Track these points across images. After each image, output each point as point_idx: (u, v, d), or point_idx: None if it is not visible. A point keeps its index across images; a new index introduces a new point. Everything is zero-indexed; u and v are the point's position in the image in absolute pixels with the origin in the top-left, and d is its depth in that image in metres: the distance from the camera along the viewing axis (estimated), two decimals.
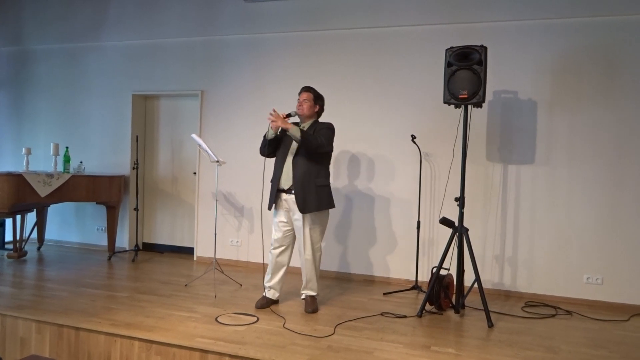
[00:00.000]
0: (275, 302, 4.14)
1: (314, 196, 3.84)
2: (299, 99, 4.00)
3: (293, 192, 3.85)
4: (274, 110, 3.79)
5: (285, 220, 3.98)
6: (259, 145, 4.02)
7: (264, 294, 4.11)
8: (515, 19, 4.65)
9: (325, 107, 4.13)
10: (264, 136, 3.96)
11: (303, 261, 3.98)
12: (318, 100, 4.02)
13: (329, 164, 4.05)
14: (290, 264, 4.12)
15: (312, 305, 4.00)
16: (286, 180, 3.89)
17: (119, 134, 6.14)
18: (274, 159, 4.05)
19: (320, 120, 4.07)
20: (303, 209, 3.82)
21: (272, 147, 3.97)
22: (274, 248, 4.05)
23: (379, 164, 5.08)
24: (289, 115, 3.90)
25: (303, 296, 4.09)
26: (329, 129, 3.94)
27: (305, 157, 3.84)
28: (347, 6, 5.17)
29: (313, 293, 4.06)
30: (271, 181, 4.04)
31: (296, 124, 4.02)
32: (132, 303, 4.06)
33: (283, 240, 4.02)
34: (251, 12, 5.53)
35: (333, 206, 4.02)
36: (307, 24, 5.32)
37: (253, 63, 5.55)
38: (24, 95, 6.62)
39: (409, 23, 4.97)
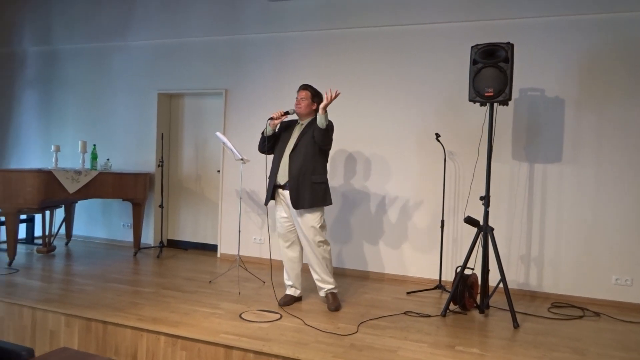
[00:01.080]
0: (298, 299, 4.16)
1: (309, 192, 3.86)
2: (297, 97, 4.04)
3: (287, 188, 3.90)
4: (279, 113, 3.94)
5: (286, 216, 4.02)
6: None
7: (286, 292, 4.14)
8: (541, 15, 4.57)
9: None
10: (262, 133, 4.04)
11: (309, 256, 3.99)
12: (315, 97, 4.04)
13: (327, 161, 4.06)
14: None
15: (334, 303, 3.99)
16: (282, 176, 3.94)
17: (145, 132, 6.23)
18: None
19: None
20: (296, 204, 3.86)
21: (271, 143, 4.05)
22: (281, 244, 4.11)
23: (402, 163, 5.05)
24: (286, 113, 3.97)
25: (322, 293, 4.07)
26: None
27: (302, 153, 3.88)
28: (371, 4, 5.15)
29: (330, 287, 4.03)
30: (269, 177, 4.08)
31: (294, 121, 4.07)
32: (157, 298, 4.12)
33: (287, 235, 4.06)
34: (275, 11, 5.55)
35: (329, 203, 4.01)
36: (330, 22, 5.32)
37: (276, 62, 5.58)
38: (52, 93, 6.77)
39: (432, 21, 4.92)
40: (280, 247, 4.12)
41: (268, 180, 4.07)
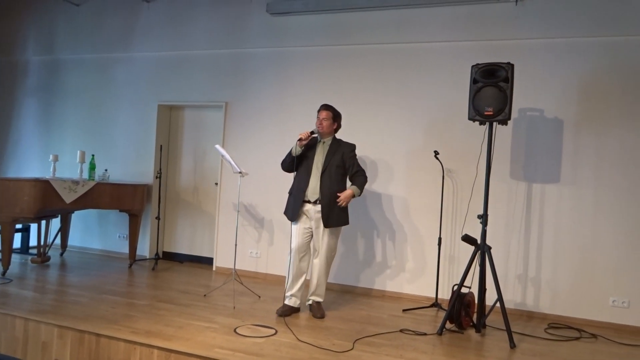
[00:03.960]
0: (296, 310, 4.20)
1: (336, 212, 4.07)
2: (318, 117, 4.16)
3: (319, 204, 4.04)
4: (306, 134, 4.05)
5: (308, 227, 4.13)
6: (281, 161, 4.25)
7: (285, 302, 4.16)
8: (542, 37, 4.62)
9: (343, 123, 4.32)
10: (289, 153, 4.14)
11: (318, 266, 4.13)
12: (337, 118, 4.21)
13: None
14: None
15: (320, 311, 4.18)
16: (313, 193, 4.07)
17: (144, 143, 6.23)
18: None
19: (337, 136, 4.26)
20: (327, 223, 4.03)
21: (297, 162, 4.15)
22: (296, 255, 4.14)
23: (401, 180, 5.05)
24: (312, 133, 4.08)
25: (310, 302, 4.23)
26: (356, 154, 4.18)
27: (333, 175, 4.07)
28: (373, 22, 5.19)
29: (320, 299, 4.22)
30: (291, 193, 4.21)
31: (314, 139, 4.18)
32: (151, 311, 4.08)
33: (302, 247, 4.14)
34: (277, 25, 5.59)
35: (348, 223, 4.21)
36: (332, 38, 5.36)
37: (278, 76, 5.60)
38: (53, 103, 6.77)
39: (434, 39, 4.97)
40: (293, 260, 4.16)
41: (292, 196, 4.18)
